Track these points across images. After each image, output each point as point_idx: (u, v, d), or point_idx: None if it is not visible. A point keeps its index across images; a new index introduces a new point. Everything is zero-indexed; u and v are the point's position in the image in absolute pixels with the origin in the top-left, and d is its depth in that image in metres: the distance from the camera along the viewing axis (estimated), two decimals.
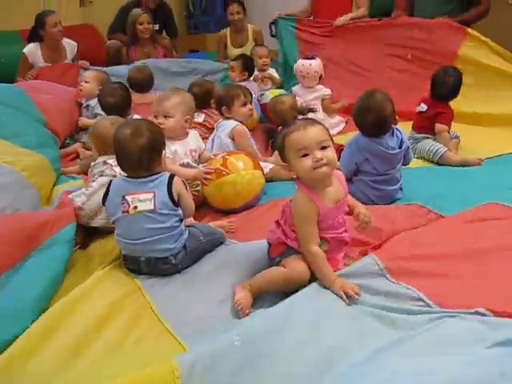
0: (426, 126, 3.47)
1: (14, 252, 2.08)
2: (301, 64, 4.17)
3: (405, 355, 1.49)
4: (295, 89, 4.26)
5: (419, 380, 1.36)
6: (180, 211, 2.13)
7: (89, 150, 3.32)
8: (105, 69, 4.53)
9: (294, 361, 1.53)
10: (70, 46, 5.02)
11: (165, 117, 2.70)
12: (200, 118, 3.59)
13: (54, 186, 2.99)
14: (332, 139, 1.88)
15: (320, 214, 1.84)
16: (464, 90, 3.53)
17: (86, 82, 3.95)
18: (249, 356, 1.51)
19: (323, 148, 1.81)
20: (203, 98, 3.62)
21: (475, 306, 1.64)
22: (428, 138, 3.45)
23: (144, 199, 2.04)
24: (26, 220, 2.27)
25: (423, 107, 3.49)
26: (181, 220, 2.14)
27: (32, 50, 4.86)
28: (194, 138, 2.87)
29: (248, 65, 4.50)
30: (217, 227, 2.37)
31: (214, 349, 1.51)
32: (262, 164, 2.90)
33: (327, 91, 4.16)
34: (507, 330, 1.52)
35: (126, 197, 2.06)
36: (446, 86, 3.43)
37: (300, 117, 3.67)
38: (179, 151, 2.74)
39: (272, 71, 4.75)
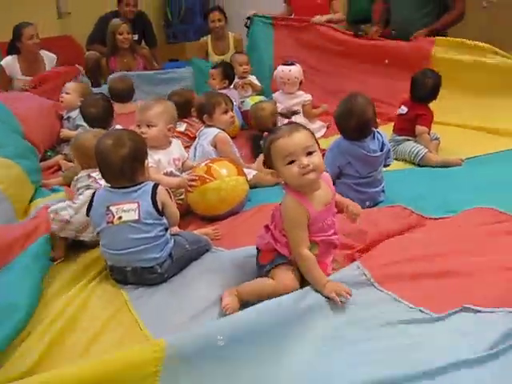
0: (406, 128, 3.50)
1: None
2: (280, 70, 4.20)
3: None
4: (276, 95, 4.28)
5: None
6: (165, 220, 2.13)
7: (71, 161, 3.30)
8: None
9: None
10: (48, 58, 5.00)
11: (148, 126, 2.70)
12: (181, 127, 3.60)
13: (33, 199, 2.97)
14: (318, 143, 1.89)
15: (310, 218, 1.85)
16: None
17: (67, 93, 3.92)
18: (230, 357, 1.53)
19: (309, 153, 1.81)
20: (183, 107, 3.62)
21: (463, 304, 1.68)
22: (409, 139, 3.49)
23: (128, 209, 2.04)
24: None
25: (403, 109, 3.53)
26: (166, 229, 2.14)
27: (9, 62, 4.83)
28: (177, 147, 2.87)
29: (228, 73, 4.51)
30: (202, 235, 2.38)
31: (196, 343, 1.53)
32: (245, 171, 2.90)
33: (308, 97, 4.18)
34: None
35: (111, 207, 2.06)
36: (425, 88, 3.47)
37: (285, 121, 3.71)
38: (163, 160, 2.74)
39: (252, 78, 4.77)
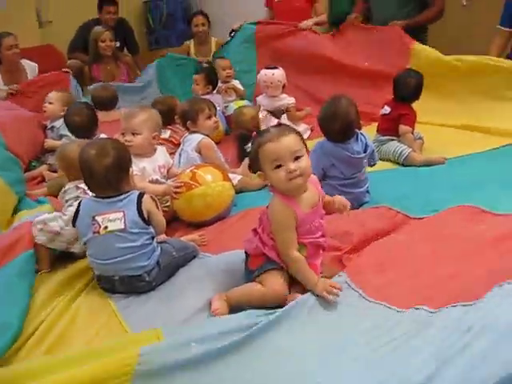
0: (390, 128, 3.53)
1: None
2: (264, 74, 4.22)
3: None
4: (259, 98, 4.30)
5: None
6: (151, 229, 2.13)
7: (55, 171, 3.29)
8: None
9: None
10: (30, 67, 4.96)
11: (133, 134, 2.71)
12: (166, 134, 3.59)
13: (18, 209, 2.96)
14: (306, 145, 1.90)
15: (297, 220, 1.86)
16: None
17: (50, 103, 3.91)
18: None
19: (297, 158, 1.82)
20: (167, 115, 3.59)
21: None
22: (393, 139, 3.51)
23: (114, 219, 2.04)
24: None
25: (386, 109, 3.55)
26: (152, 237, 2.14)
27: None
28: (161, 154, 2.87)
29: (212, 78, 4.51)
30: (189, 241, 2.38)
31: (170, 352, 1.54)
32: (230, 176, 2.91)
33: (291, 100, 4.20)
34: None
35: (96, 217, 2.06)
36: (407, 88, 3.49)
37: (274, 120, 3.73)
38: (148, 168, 2.74)
39: (236, 82, 4.77)
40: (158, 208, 2.19)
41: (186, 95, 4.54)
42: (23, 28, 5.54)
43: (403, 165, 3.38)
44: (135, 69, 5.68)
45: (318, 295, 1.82)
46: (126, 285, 2.08)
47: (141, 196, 2.10)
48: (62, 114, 3.68)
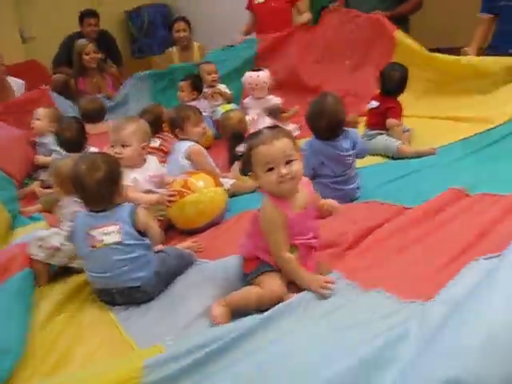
0: (378, 122, 3.54)
1: None
2: (248, 76, 4.23)
3: None
4: (246, 101, 4.31)
5: None
6: (147, 240, 2.15)
7: (47, 187, 3.29)
8: None
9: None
10: (16, 84, 4.94)
11: (122, 146, 2.71)
12: (156, 143, 3.59)
13: (12, 227, 2.96)
14: (298, 147, 1.91)
15: (288, 221, 1.88)
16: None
17: (38, 119, 3.90)
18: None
19: (289, 161, 1.83)
20: (155, 123, 3.59)
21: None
22: (381, 133, 3.52)
23: (109, 232, 2.06)
24: None
25: (373, 104, 3.57)
26: (148, 247, 2.15)
27: None
28: (152, 163, 2.87)
29: (197, 84, 4.51)
30: (185, 249, 2.39)
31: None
32: (222, 180, 2.92)
33: (278, 100, 4.22)
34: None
35: (92, 232, 2.07)
36: (393, 81, 3.52)
37: (268, 122, 3.74)
38: (139, 178, 2.74)
39: (222, 87, 4.77)
40: (153, 219, 2.20)
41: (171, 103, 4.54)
42: (7, 44, 5.54)
43: (393, 158, 3.40)
44: (121, 79, 5.68)
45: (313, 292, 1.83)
46: (126, 296, 2.10)
47: (134, 208, 2.12)
48: (51, 129, 3.68)
